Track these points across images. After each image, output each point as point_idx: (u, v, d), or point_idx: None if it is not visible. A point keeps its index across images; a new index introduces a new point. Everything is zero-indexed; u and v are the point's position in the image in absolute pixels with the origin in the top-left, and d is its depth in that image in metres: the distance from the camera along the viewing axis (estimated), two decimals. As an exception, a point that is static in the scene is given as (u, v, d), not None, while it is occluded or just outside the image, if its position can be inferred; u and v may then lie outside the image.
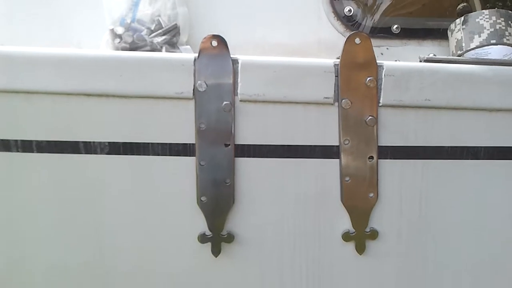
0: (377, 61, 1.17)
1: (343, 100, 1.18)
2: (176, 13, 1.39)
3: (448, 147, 1.23)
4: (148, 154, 1.20)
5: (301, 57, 1.20)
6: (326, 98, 1.17)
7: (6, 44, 1.19)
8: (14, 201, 1.23)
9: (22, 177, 1.21)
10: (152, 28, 1.37)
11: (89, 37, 1.50)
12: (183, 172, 1.21)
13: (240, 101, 1.18)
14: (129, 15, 1.37)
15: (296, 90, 1.17)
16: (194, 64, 1.15)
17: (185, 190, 1.22)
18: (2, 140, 1.19)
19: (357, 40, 1.16)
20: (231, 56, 1.16)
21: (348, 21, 1.58)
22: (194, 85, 1.15)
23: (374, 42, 1.48)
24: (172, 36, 1.38)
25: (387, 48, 1.60)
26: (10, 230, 1.25)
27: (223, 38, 1.14)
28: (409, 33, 1.60)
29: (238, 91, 1.17)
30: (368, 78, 1.16)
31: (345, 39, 1.17)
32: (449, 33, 1.45)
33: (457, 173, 1.25)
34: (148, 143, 1.20)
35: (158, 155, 1.20)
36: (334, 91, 1.17)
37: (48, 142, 1.19)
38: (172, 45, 1.38)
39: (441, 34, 1.58)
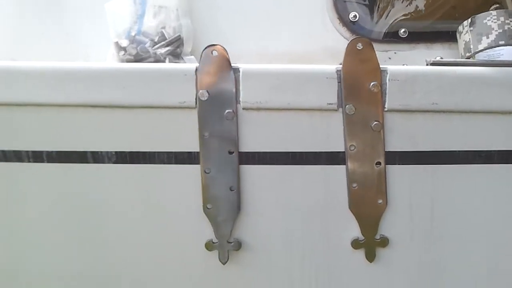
0: (381, 66, 1.15)
1: (347, 106, 1.16)
2: (180, 25, 1.40)
3: (459, 151, 1.19)
4: (154, 163, 1.21)
5: (307, 64, 1.20)
6: (329, 104, 1.16)
7: (16, 59, 1.22)
8: (24, 210, 1.26)
9: (32, 187, 1.24)
10: (156, 40, 1.39)
11: (97, 50, 1.53)
12: (188, 180, 1.22)
13: (243, 109, 1.17)
14: (134, 27, 1.39)
15: (299, 96, 1.16)
16: (196, 73, 1.15)
17: (191, 198, 1.22)
18: (14, 151, 1.22)
19: (359, 46, 1.15)
20: (232, 64, 1.16)
21: (354, 27, 1.55)
22: (196, 95, 1.15)
23: (382, 47, 1.49)
24: (175, 47, 1.39)
25: (395, 53, 1.56)
26: (17, 239, 1.28)
27: (222, 47, 1.15)
28: (416, 37, 1.56)
29: (240, 99, 1.17)
30: (372, 83, 1.14)
31: (346, 45, 1.15)
32: (457, 35, 1.41)
33: (469, 178, 1.22)
34: (154, 152, 1.21)
35: (164, 163, 1.21)
36: (338, 96, 1.16)
37: (58, 152, 1.22)
38: (176, 56, 1.39)
39: (450, 37, 1.53)
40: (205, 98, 1.16)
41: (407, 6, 1.54)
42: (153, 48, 1.37)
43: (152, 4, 1.41)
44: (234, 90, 1.16)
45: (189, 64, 1.21)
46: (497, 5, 1.48)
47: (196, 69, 1.15)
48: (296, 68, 1.16)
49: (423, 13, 1.55)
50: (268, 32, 1.58)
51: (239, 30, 1.58)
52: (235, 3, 1.59)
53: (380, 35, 1.57)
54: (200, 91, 1.15)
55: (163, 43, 1.38)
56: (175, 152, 1.21)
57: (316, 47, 1.57)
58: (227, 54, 1.15)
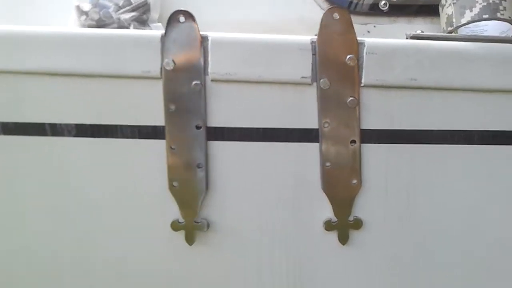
0: (358, 38, 1.09)
1: (322, 80, 1.10)
2: None
3: (438, 131, 1.14)
4: (117, 137, 1.15)
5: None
6: (303, 77, 1.10)
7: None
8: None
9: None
10: (120, 5, 1.30)
11: (59, 15, 1.44)
12: (153, 156, 1.15)
13: (212, 80, 1.11)
14: (100, -11, 1.30)
15: (271, 69, 1.10)
16: (161, 41, 1.08)
17: (156, 175, 1.16)
18: None
19: (336, 15, 1.08)
20: (201, 33, 1.09)
21: None
22: (161, 64, 1.09)
23: (361, 19, 1.42)
24: (141, 13, 1.31)
25: (374, 26, 1.50)
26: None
27: (190, 13, 1.08)
28: (397, 10, 1.50)
29: (209, 70, 1.10)
30: (348, 56, 1.08)
31: (322, 15, 1.08)
32: (440, 8, 1.35)
33: (448, 159, 1.17)
34: (117, 125, 1.14)
35: (127, 137, 1.15)
36: (312, 70, 1.10)
37: (15, 124, 1.14)
38: (142, 22, 1.31)
39: (433, 11, 1.47)
40: (171, 68, 1.09)
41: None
42: (116, 13, 1.28)
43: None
44: (202, 60, 1.10)
45: (154, 31, 1.14)
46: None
47: (162, 36, 1.09)
48: (268, 38, 1.09)
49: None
50: (242, 1, 1.49)
51: None
52: None
53: (360, 6, 1.50)
54: (166, 60, 1.08)
55: (128, 8, 1.30)
56: (138, 126, 1.14)
57: (293, 18, 1.50)
58: (195, 21, 1.08)
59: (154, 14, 1.35)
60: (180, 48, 1.09)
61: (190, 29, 1.09)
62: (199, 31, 1.09)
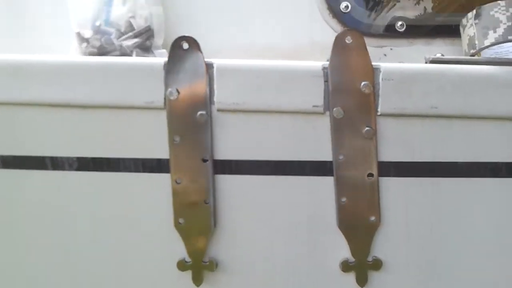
0: (374, 64, 1.02)
1: (335, 109, 1.03)
2: (150, 14, 1.27)
3: (463, 163, 1.06)
4: (120, 171, 1.10)
5: (292, 60, 1.08)
6: (315, 106, 1.04)
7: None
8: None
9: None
10: (122, 31, 1.26)
11: (60, 42, 1.41)
12: (158, 190, 1.09)
13: (218, 110, 1.05)
14: (101, 16, 1.26)
15: (280, 97, 1.04)
16: (164, 69, 1.04)
17: (161, 211, 1.10)
18: None
19: (348, 39, 1.02)
20: (206, 60, 1.04)
21: (345, 19, 1.41)
22: (165, 93, 1.04)
23: (376, 42, 1.35)
24: (145, 39, 1.26)
25: (391, 49, 1.42)
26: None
27: (194, 39, 1.03)
28: (415, 31, 1.42)
29: (215, 100, 1.05)
30: (363, 83, 1.02)
31: (334, 38, 1.02)
32: (461, 29, 1.27)
33: (474, 194, 1.08)
34: (119, 158, 1.09)
35: (130, 171, 1.10)
36: (324, 98, 1.04)
37: (14, 157, 1.10)
38: (145, 49, 1.26)
39: (453, 32, 1.39)
40: (175, 97, 1.04)
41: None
42: (118, 39, 1.23)
43: (120, -11, 1.28)
44: (207, 88, 1.05)
45: (157, 58, 1.10)
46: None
47: (165, 64, 1.04)
48: (278, 65, 1.04)
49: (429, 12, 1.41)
50: (250, 24, 1.44)
51: (219, 21, 1.44)
52: None
53: (375, 28, 1.43)
54: (169, 89, 1.03)
55: (130, 34, 1.25)
56: (142, 159, 1.09)
57: (304, 41, 1.44)
58: (200, 47, 1.03)
59: (158, 40, 1.30)
60: (184, 76, 1.04)
61: (194, 56, 1.04)
62: (203, 58, 1.04)
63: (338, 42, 1.03)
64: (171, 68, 1.04)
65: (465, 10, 1.26)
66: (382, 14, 1.40)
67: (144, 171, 1.09)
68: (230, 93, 1.04)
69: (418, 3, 1.42)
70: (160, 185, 1.09)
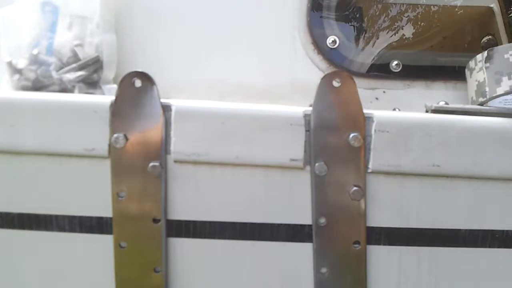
0: (365, 111, 0.88)
1: (317, 164, 0.90)
2: (101, 42, 1.07)
3: (466, 230, 0.94)
4: (52, 230, 0.94)
5: (272, 101, 1.02)
6: (293, 160, 0.89)
7: None
8: None
9: None
10: (64, 61, 1.06)
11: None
12: (98, 255, 0.94)
13: (175, 161, 0.90)
14: (42, 42, 1.05)
15: (251, 148, 0.89)
16: (110, 110, 0.87)
17: (100, 280, 0.94)
18: None
19: (336, 82, 0.87)
20: (162, 100, 0.87)
21: (332, 56, 1.24)
22: (110, 140, 0.88)
23: (368, 83, 1.22)
24: (91, 72, 1.06)
25: (384, 92, 1.26)
26: None
27: (148, 76, 0.87)
28: (413, 72, 1.26)
29: (171, 149, 0.89)
30: (352, 135, 0.88)
31: (320, 80, 0.87)
32: (467, 72, 1.12)
33: (479, 266, 0.96)
34: (51, 215, 0.93)
35: (65, 231, 0.94)
36: (305, 151, 0.89)
37: None
38: (91, 84, 1.06)
39: (457, 74, 1.24)
40: (121, 145, 0.87)
41: (394, 34, 1.24)
42: (58, 72, 1.03)
43: (66, 13, 1.06)
44: (163, 135, 0.89)
45: (103, 97, 0.93)
46: (490, 37, 1.24)
47: (111, 104, 0.87)
48: (249, 110, 0.89)
49: (411, 43, 1.26)
50: (221, 58, 1.25)
51: (185, 53, 1.24)
52: (180, 18, 1.26)
53: (367, 67, 1.26)
54: (115, 135, 0.87)
55: (74, 66, 1.04)
56: (79, 217, 0.93)
57: (283, 80, 1.25)
58: (155, 85, 0.87)
59: (108, 73, 1.09)
60: (135, 120, 0.88)
61: (148, 96, 0.87)
62: (159, 98, 0.87)
63: (324, 84, 0.88)
64: (118, 109, 0.87)
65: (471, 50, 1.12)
66: (368, 48, 1.23)
67: (81, 231, 0.94)
68: (190, 142, 0.89)
69: (397, 31, 1.27)
70: (100, 249, 0.94)
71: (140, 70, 0.86)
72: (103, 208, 0.92)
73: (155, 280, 0.93)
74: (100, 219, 0.92)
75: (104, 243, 0.93)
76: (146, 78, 0.87)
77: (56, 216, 0.93)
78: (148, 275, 0.93)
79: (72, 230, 0.93)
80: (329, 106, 0.88)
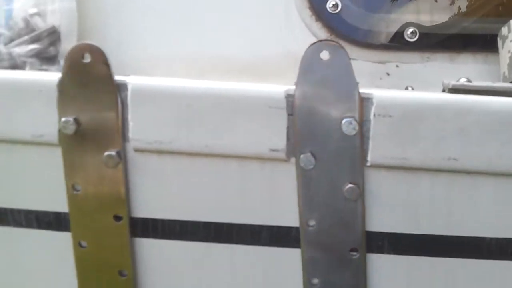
0: (362, 90, 0.74)
1: (303, 156, 0.76)
2: (58, 9, 0.96)
3: (486, 239, 0.80)
4: (8, 225, 0.86)
5: (261, 78, 0.89)
6: (273, 150, 0.76)
7: None
8: None
9: None
10: (16, 33, 0.96)
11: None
12: (59, 255, 0.85)
13: (135, 150, 0.78)
14: (-1, 13, 0.96)
15: (224, 135, 0.76)
16: (59, 90, 0.75)
17: (64, 283, 0.86)
18: None
19: (324, 54, 0.72)
20: (116, 78, 0.75)
21: (334, 22, 1.08)
22: (59, 125, 0.77)
23: (377, 55, 1.06)
24: (47, 45, 0.95)
25: (397, 66, 1.09)
26: None
27: (99, 48, 0.74)
28: (432, 42, 1.09)
29: (130, 135, 0.77)
30: (345, 120, 0.74)
31: (304, 53, 0.73)
32: (499, 42, 0.95)
33: (506, 283, 0.83)
34: (6, 208, 0.85)
35: (22, 226, 0.86)
36: (288, 139, 0.76)
37: None
38: (48, 58, 0.96)
39: (488, 44, 1.06)
40: (72, 131, 0.76)
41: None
42: (7, 45, 0.93)
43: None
44: (119, 119, 0.76)
45: (48, 74, 0.81)
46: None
47: (60, 84, 0.76)
48: (221, 89, 0.76)
49: (431, 5, 1.09)
50: (200, 27, 1.12)
51: (160, 22, 1.13)
52: None
53: (376, 36, 1.10)
54: (63, 119, 0.75)
55: (25, 38, 0.94)
56: (36, 212, 0.85)
57: (274, 53, 1.12)
58: (107, 59, 0.74)
59: (67, 46, 0.99)
60: (86, 101, 0.76)
61: (100, 73, 0.75)
62: (113, 75, 0.75)
63: (310, 57, 0.73)
64: (66, 89, 0.76)
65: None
66: (387, 16, 1.07)
67: (39, 228, 0.86)
68: (151, 127, 0.77)
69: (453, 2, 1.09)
70: (60, 247, 0.84)
71: (89, 42, 0.74)
72: (60, 203, 0.82)
73: (121, 285, 0.84)
74: (58, 215, 0.84)
75: (64, 241, 0.84)
76: (96, 51, 0.74)
77: (11, 210, 0.86)
78: (113, 278, 0.84)
79: (29, 225, 0.86)
80: (316, 84, 0.73)
